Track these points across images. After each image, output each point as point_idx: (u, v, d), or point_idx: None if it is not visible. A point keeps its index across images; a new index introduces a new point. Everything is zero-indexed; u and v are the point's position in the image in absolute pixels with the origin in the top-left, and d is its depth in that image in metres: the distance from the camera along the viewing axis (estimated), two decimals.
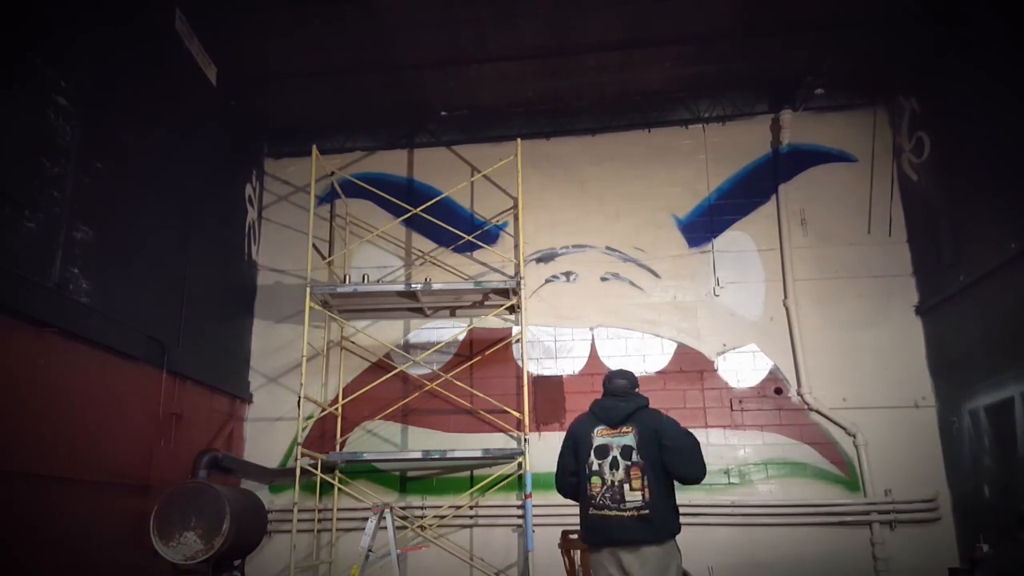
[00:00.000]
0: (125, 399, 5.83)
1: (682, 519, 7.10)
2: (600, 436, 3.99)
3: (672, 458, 3.87)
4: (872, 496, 7.20)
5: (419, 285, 7.48)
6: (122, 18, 5.95)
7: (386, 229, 8.36)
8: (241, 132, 8.34)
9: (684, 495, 7.29)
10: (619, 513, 3.81)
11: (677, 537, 3.97)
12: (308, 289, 7.44)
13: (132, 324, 5.92)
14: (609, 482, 3.85)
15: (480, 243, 8.26)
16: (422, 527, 7.49)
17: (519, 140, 8.04)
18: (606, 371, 7.87)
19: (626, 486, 3.82)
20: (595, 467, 3.92)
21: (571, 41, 7.38)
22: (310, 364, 7.67)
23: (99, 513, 5.42)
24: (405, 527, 7.46)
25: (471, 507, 7.54)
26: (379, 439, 7.92)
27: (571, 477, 4.10)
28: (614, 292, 8.17)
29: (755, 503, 7.28)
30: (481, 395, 7.76)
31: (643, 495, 3.79)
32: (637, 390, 4.19)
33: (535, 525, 6.86)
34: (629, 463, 3.86)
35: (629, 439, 3.91)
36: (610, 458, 3.90)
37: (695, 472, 3.93)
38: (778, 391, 7.68)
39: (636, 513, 3.78)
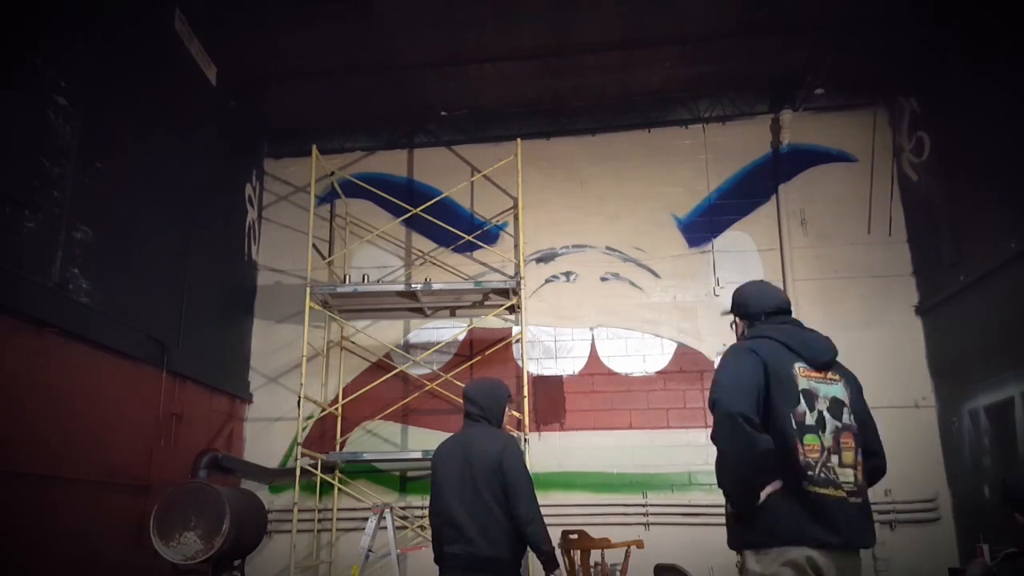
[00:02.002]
0: (125, 399, 5.83)
1: (683, 519, 7.25)
2: (803, 377, 2.70)
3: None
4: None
5: (419, 285, 7.48)
6: (122, 18, 5.94)
7: (386, 229, 8.36)
8: (241, 132, 8.34)
9: (684, 495, 7.42)
10: (836, 494, 2.58)
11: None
12: (308, 289, 7.44)
13: (132, 324, 5.92)
14: (826, 447, 2.62)
15: (480, 243, 8.26)
16: (422, 527, 7.48)
17: (519, 140, 8.04)
18: (606, 371, 8.02)
19: (835, 458, 2.63)
20: (809, 421, 2.63)
21: (571, 41, 7.38)
22: (310, 364, 7.67)
23: (99, 513, 5.42)
24: (405, 527, 7.46)
25: None
26: (379, 439, 7.92)
27: (763, 433, 2.58)
28: (614, 292, 8.17)
29: None
30: None
31: (855, 475, 2.66)
32: None
33: None
34: (839, 425, 2.66)
35: (839, 390, 2.74)
36: (816, 412, 2.65)
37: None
38: None
39: (858, 499, 2.65)
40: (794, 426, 2.61)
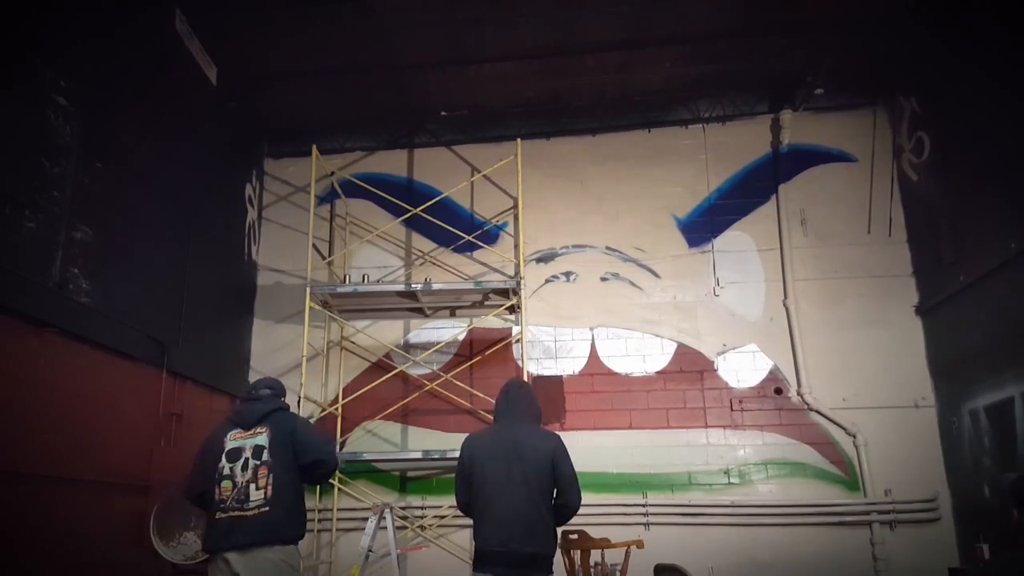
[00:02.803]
0: (125, 399, 5.83)
1: (683, 519, 7.26)
2: (233, 440, 3.78)
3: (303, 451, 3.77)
4: (872, 496, 7.20)
5: (419, 285, 7.48)
6: (122, 18, 5.94)
7: (386, 229, 8.36)
8: (241, 132, 8.34)
9: (684, 495, 7.42)
10: (241, 513, 3.59)
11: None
12: (308, 289, 7.45)
13: (132, 324, 5.92)
14: (240, 484, 3.65)
15: (480, 243, 8.26)
16: (422, 527, 7.49)
17: (519, 140, 8.04)
18: (606, 371, 8.02)
19: (252, 485, 3.63)
20: (226, 471, 3.70)
21: (571, 41, 7.38)
22: (310, 364, 7.67)
23: (99, 513, 5.42)
24: (405, 527, 7.47)
25: None
26: (379, 439, 7.92)
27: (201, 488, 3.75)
28: (614, 292, 8.17)
29: (755, 503, 7.28)
30: (481, 395, 7.75)
31: (265, 493, 3.61)
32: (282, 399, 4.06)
33: None
34: (258, 463, 3.68)
35: (262, 439, 3.75)
36: (242, 460, 3.70)
37: (329, 459, 3.89)
38: (778, 391, 7.68)
39: (257, 512, 3.58)
40: (217, 477, 3.68)
